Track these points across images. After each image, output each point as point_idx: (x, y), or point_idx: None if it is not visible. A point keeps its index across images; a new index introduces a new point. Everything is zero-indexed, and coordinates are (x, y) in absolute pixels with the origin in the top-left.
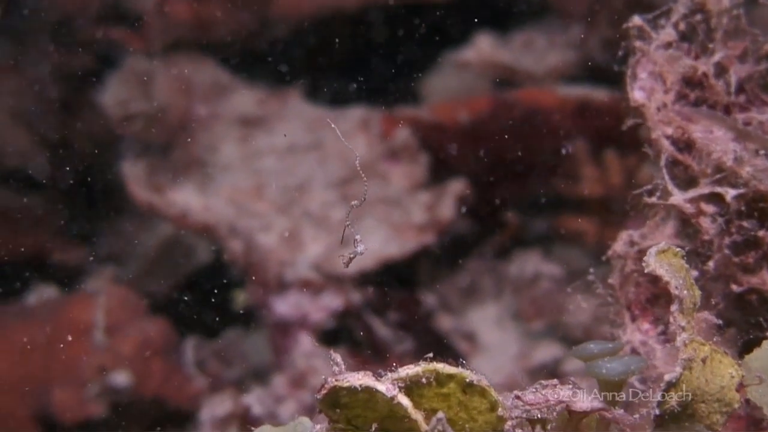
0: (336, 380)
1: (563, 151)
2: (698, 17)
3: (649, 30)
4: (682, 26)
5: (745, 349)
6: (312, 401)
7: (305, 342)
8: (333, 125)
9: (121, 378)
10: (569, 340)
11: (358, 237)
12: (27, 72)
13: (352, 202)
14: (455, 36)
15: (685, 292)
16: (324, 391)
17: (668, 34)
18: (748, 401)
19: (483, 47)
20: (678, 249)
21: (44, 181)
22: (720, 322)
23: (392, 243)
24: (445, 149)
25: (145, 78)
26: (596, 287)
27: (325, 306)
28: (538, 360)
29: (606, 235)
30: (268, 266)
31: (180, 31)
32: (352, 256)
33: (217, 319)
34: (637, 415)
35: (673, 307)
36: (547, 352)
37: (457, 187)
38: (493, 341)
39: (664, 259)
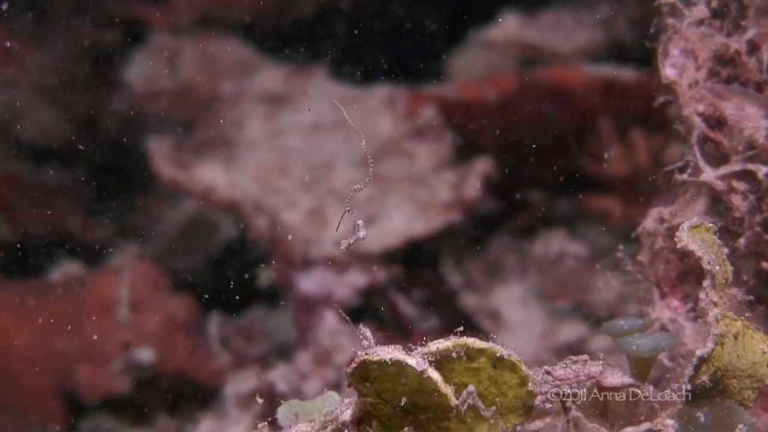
0: (366, 354)
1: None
2: None
3: (681, 7)
4: (714, 3)
5: None
6: (337, 379)
7: (330, 319)
8: (339, 105)
9: (145, 354)
10: (594, 319)
11: (360, 222)
12: (52, 48)
13: (354, 187)
14: (482, 15)
15: (718, 267)
16: (354, 365)
17: (700, 11)
18: None
19: (510, 26)
20: (710, 224)
21: (69, 158)
22: (751, 298)
23: (417, 221)
24: (470, 128)
25: (171, 55)
26: (625, 264)
27: (349, 283)
28: (562, 339)
29: (632, 215)
30: (293, 243)
31: (206, 8)
32: (352, 241)
33: (242, 296)
34: (667, 391)
35: (706, 283)
36: (571, 331)
37: (482, 165)
38: (518, 320)
39: (696, 235)
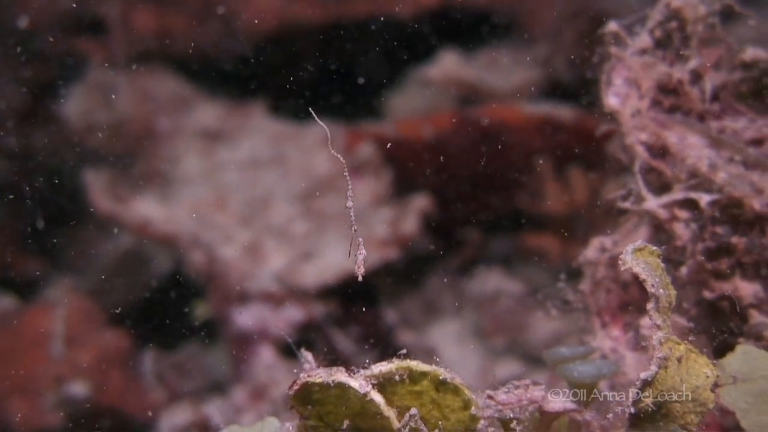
0: (308, 375)
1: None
2: (674, 24)
3: (624, 36)
4: (657, 33)
5: (716, 355)
6: (273, 412)
7: (266, 354)
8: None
9: (79, 388)
10: (530, 357)
11: (360, 240)
12: None
13: (348, 204)
14: (420, 53)
15: (662, 290)
16: (296, 387)
17: (644, 40)
18: (720, 408)
19: (448, 65)
20: (654, 248)
21: (5, 191)
22: (692, 325)
23: (354, 257)
24: (408, 165)
25: (109, 89)
26: (565, 294)
27: (286, 318)
28: (498, 376)
29: (569, 252)
30: (230, 278)
31: (144, 44)
32: (360, 261)
33: (177, 330)
34: (610, 415)
35: (650, 306)
36: (507, 368)
37: (420, 202)
38: (454, 357)
39: (640, 257)
